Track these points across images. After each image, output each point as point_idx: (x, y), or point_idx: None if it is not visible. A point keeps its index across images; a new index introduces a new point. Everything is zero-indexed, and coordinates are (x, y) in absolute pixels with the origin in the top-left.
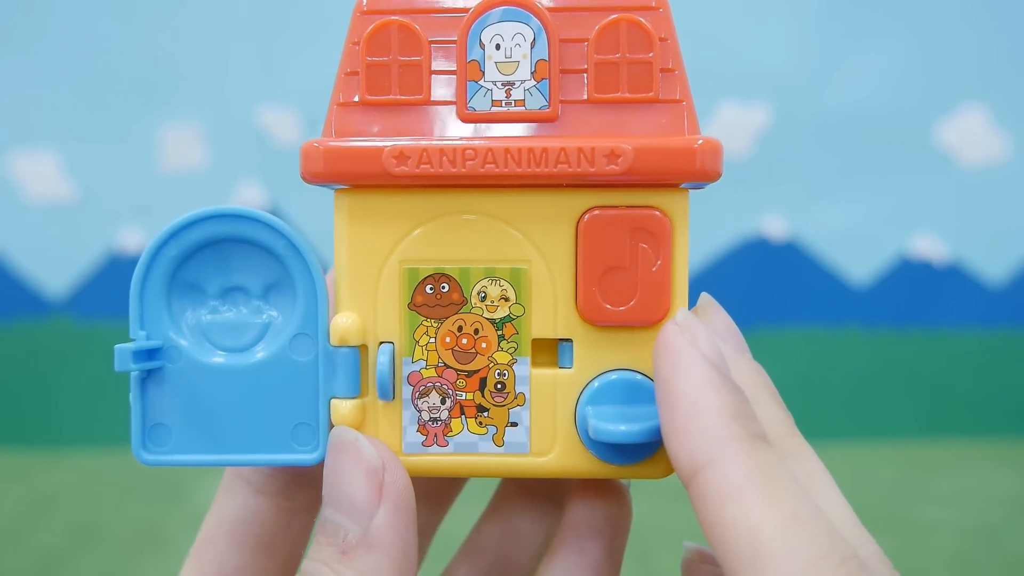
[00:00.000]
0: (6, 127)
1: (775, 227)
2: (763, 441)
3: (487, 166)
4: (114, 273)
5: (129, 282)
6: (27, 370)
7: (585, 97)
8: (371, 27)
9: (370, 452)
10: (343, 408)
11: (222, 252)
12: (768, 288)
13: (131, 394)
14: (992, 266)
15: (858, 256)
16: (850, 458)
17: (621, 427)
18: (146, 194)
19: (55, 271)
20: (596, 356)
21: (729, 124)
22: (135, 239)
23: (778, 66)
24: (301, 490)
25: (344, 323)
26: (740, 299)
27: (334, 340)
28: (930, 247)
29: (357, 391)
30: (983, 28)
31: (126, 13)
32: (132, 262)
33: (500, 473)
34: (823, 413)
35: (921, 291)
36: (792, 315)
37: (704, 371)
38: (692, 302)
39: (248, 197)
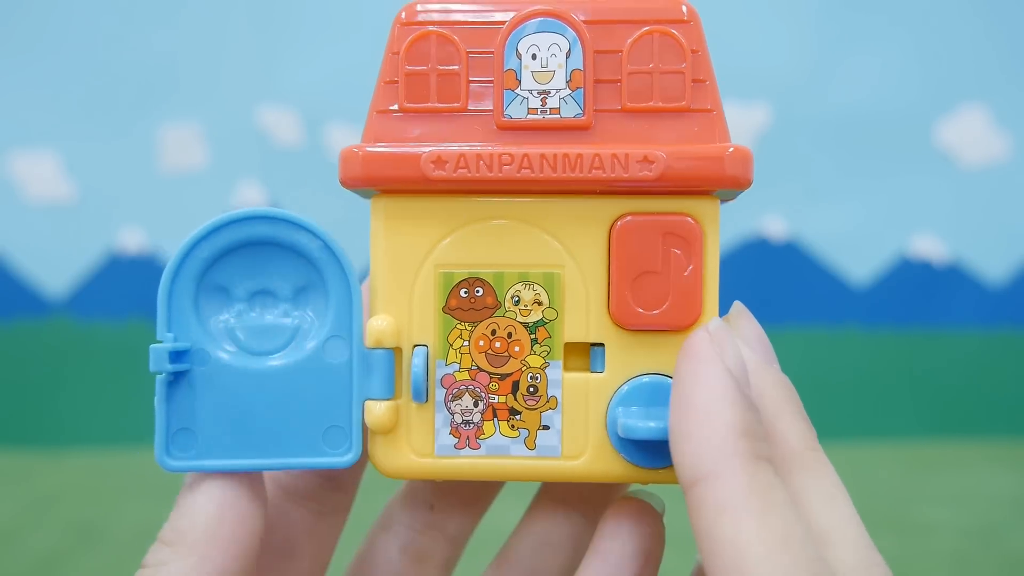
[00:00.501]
0: (6, 127)
1: (775, 227)
2: (767, 463)
3: (523, 171)
4: (114, 273)
5: (129, 282)
6: (27, 370)
7: (619, 106)
8: (411, 37)
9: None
10: (377, 410)
11: (253, 254)
12: (768, 288)
13: (156, 398)
14: (992, 266)
15: (858, 256)
16: (850, 458)
17: (650, 424)
18: (146, 194)
19: (55, 271)
20: (628, 360)
21: (729, 124)
22: (135, 239)
23: (778, 66)
24: (332, 494)
25: (380, 325)
26: (740, 299)
27: (369, 342)
28: (930, 247)
29: (391, 392)
30: (983, 28)
31: (126, 13)
32: (132, 262)
33: (531, 477)
34: (823, 413)
35: (921, 291)
36: (792, 315)
37: (724, 383)
38: (723, 308)
39: (248, 197)
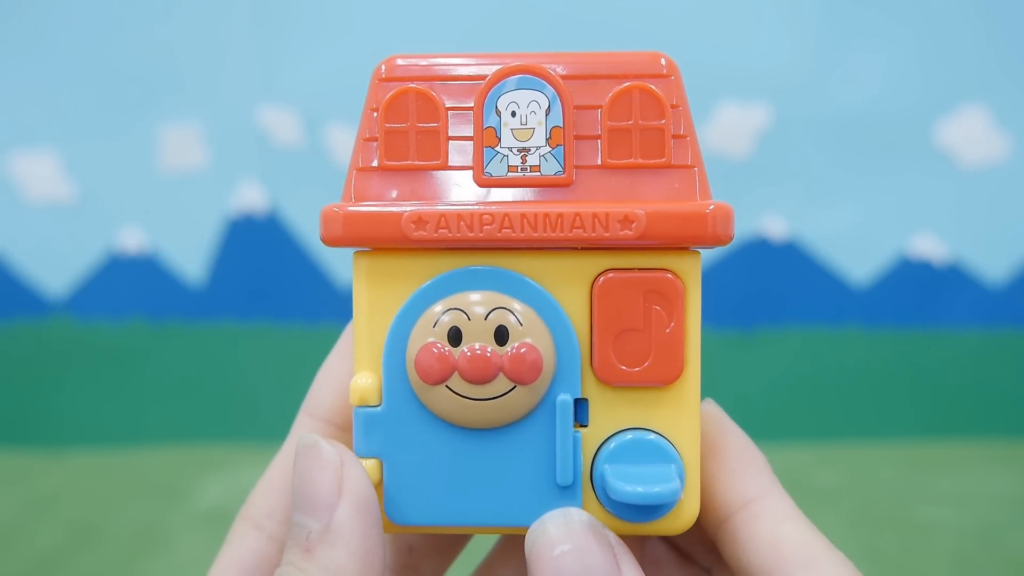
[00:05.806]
0: (6, 127)
1: (775, 227)
2: None
3: (504, 231)
4: (114, 273)
5: (129, 282)
6: (27, 370)
7: (599, 163)
8: (389, 94)
9: (328, 451)
10: (364, 467)
11: None
12: (768, 288)
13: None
14: (992, 266)
15: (858, 256)
16: (850, 458)
17: (638, 488)
18: (146, 194)
19: (55, 271)
20: (611, 415)
21: (729, 124)
22: (135, 239)
23: (778, 66)
24: None
25: (363, 383)
26: (740, 299)
27: (354, 400)
28: (930, 247)
29: (375, 450)
30: (983, 28)
31: (126, 12)
32: (132, 262)
33: (520, 531)
34: (823, 413)
35: (921, 291)
36: (792, 315)
37: (744, 434)
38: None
39: (248, 197)
